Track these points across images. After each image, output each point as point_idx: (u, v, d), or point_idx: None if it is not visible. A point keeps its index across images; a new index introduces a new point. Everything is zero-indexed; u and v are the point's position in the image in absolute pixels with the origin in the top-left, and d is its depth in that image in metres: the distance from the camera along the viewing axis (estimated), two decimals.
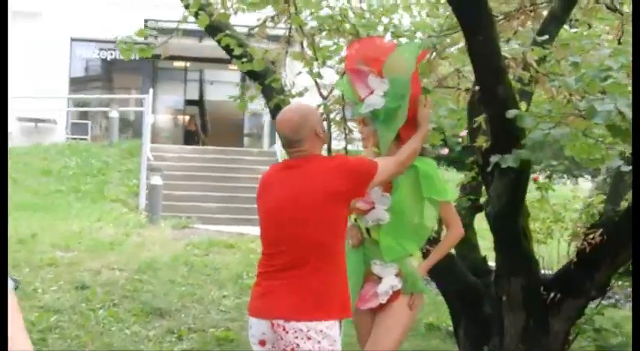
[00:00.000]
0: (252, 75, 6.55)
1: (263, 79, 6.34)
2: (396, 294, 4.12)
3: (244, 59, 6.24)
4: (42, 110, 20.55)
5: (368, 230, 4.21)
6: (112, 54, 21.58)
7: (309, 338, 3.49)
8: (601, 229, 5.26)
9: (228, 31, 6.27)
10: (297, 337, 3.50)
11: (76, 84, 23.10)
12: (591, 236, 5.27)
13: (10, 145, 17.83)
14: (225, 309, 7.56)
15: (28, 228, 10.15)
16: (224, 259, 9.17)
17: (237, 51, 6.28)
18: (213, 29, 6.43)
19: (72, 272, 8.17)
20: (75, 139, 19.99)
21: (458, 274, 6.27)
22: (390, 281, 4.13)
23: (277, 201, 3.66)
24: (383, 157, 3.95)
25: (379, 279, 4.15)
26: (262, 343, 3.64)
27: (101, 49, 21.87)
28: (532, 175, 6.29)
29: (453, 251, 6.42)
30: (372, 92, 4.08)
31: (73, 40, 21.52)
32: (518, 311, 5.51)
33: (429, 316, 7.86)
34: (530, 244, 5.70)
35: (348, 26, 5.84)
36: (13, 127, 20.60)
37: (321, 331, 3.51)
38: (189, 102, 24.69)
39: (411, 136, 4.06)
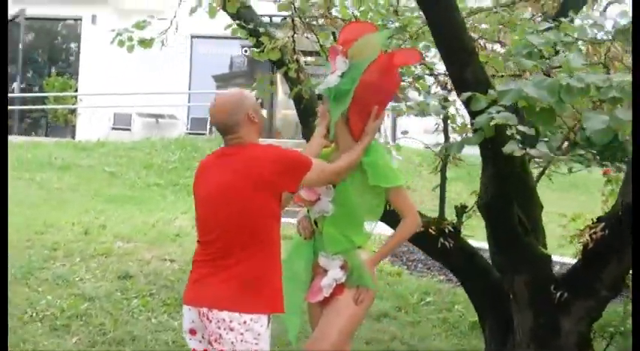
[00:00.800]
0: (274, 64, 6.46)
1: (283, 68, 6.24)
2: (340, 287, 4.00)
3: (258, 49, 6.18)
4: (163, 106, 21.24)
5: (316, 222, 4.12)
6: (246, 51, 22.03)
7: (231, 329, 3.44)
8: (603, 224, 4.87)
9: (238, 22, 6.21)
10: (219, 327, 3.46)
11: (220, 81, 23.70)
12: (593, 231, 4.89)
13: (131, 139, 18.51)
14: None
15: (105, 220, 10.43)
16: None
17: (251, 41, 6.23)
18: (234, 17, 6.39)
19: (122, 262, 8.32)
20: (194, 134, 20.46)
21: (480, 270, 5.97)
22: (333, 274, 4.01)
23: (210, 188, 3.64)
24: (321, 162, 3.88)
25: (325, 272, 4.04)
26: (192, 332, 3.63)
27: (243, 46, 22.36)
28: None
29: (476, 246, 6.19)
30: (334, 71, 4.02)
31: (193, 37, 22.02)
32: (525, 310, 5.23)
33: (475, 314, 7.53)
34: (537, 238, 5.34)
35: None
36: (135, 123, 21.39)
37: (244, 322, 3.45)
38: None
39: (360, 127, 4.00)
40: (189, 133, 20.69)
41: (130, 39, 6.00)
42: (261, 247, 3.53)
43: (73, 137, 21.03)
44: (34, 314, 6.76)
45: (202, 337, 3.58)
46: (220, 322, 3.43)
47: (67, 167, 14.68)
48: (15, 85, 20.41)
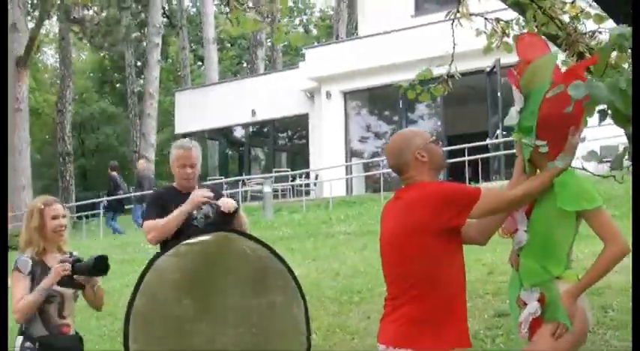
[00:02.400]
0: None
1: None
2: (538, 321, 3.82)
3: None
4: None
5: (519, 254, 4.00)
6: None
7: None
8: None
9: None
10: None
11: None
12: None
13: None
14: None
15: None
16: None
17: None
18: None
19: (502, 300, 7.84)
20: None
21: None
22: (530, 308, 3.84)
23: (384, 233, 3.90)
24: (494, 192, 3.92)
25: (525, 305, 3.89)
26: None
27: None
28: None
29: None
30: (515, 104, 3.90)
31: None
32: None
33: None
34: None
35: None
36: None
37: None
38: None
39: (554, 154, 3.76)
40: None
41: (416, 88, 7.34)
42: (428, 288, 3.64)
43: None
44: None
45: None
46: None
47: None
48: (498, 132, 19.60)
